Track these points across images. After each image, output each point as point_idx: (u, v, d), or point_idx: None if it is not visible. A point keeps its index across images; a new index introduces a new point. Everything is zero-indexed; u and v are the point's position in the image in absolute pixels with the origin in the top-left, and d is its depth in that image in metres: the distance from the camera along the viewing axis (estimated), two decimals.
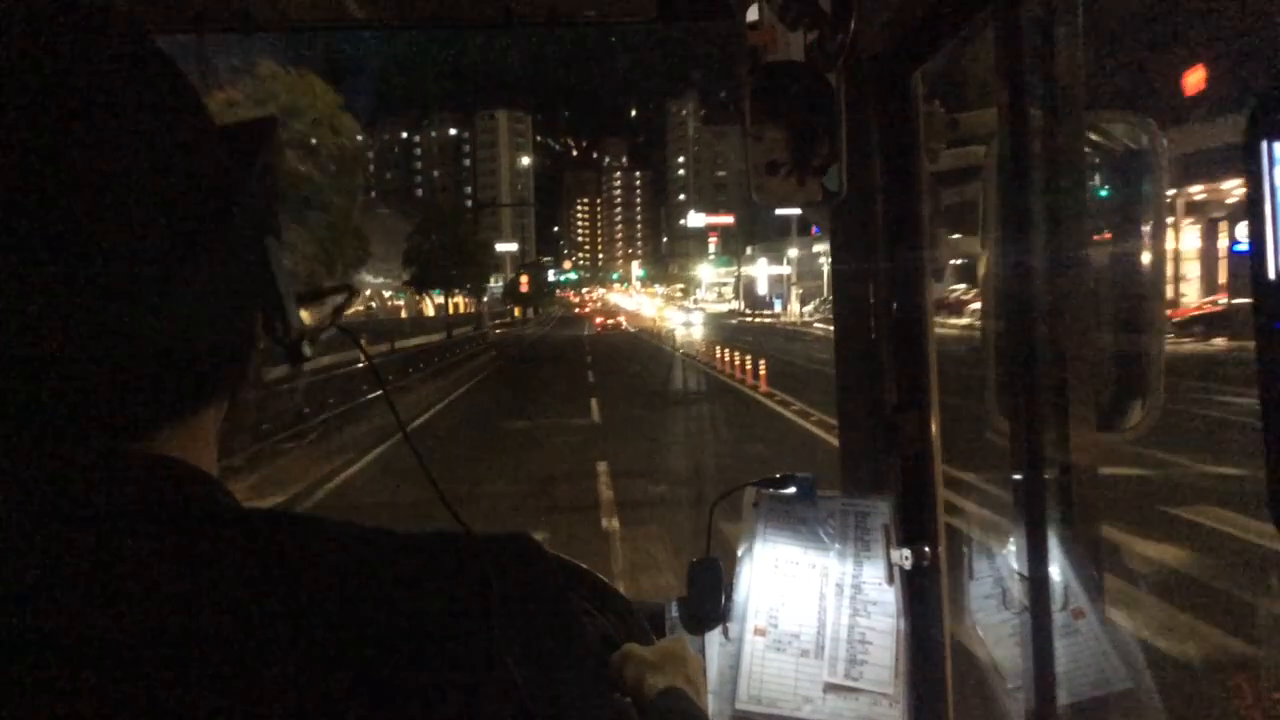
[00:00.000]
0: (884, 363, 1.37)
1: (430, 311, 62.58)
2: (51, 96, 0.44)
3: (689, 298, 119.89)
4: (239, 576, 0.45)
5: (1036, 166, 0.99)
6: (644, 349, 38.23)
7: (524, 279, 76.71)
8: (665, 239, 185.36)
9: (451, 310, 61.73)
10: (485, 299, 64.74)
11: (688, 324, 58.76)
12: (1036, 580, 1.06)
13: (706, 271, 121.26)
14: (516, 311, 78.55)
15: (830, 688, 1.20)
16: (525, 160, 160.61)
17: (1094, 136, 1.07)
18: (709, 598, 1.26)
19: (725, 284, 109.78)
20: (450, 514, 0.71)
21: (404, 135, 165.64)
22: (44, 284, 0.43)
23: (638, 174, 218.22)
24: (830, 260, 1.45)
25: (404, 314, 56.32)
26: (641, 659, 0.89)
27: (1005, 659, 1.19)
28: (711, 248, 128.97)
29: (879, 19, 1.24)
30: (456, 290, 52.21)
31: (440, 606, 0.47)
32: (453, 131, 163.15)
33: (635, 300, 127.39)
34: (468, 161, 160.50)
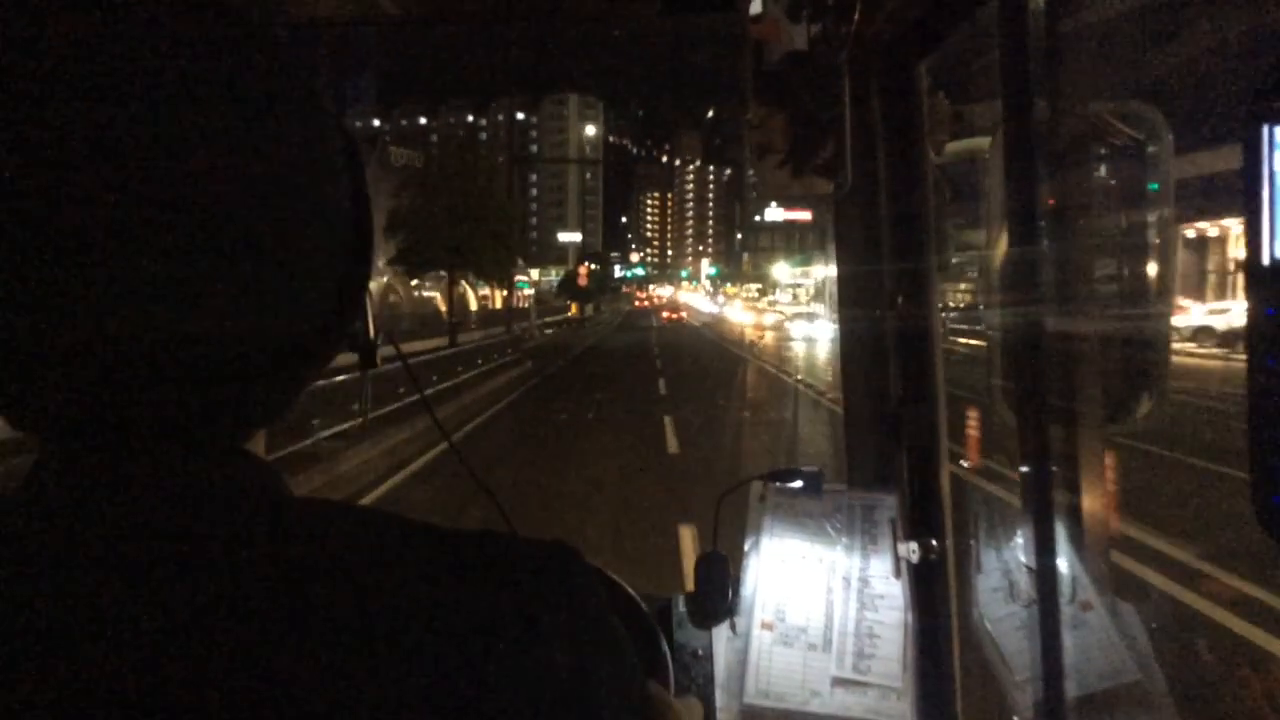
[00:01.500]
0: (889, 356, 1.37)
1: (476, 305, 53.24)
2: (187, 108, 0.45)
3: (764, 298, 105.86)
4: (291, 564, 0.46)
5: (1041, 158, 0.98)
6: (748, 372, 24.05)
7: (583, 271, 60.93)
8: (739, 235, 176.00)
9: (499, 303, 52.15)
10: (531, 292, 55.44)
11: (809, 339, 35.52)
12: (1044, 572, 1.06)
13: (782, 271, 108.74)
14: (573, 308, 62.91)
15: (838, 681, 1.20)
16: (591, 130, 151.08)
17: (1099, 128, 1.07)
18: (715, 592, 1.26)
19: (798, 285, 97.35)
20: (501, 516, 0.72)
21: (469, 119, 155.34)
22: (171, 295, 0.44)
23: (711, 169, 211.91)
24: (835, 254, 1.44)
25: (442, 306, 41.87)
26: None
27: (1013, 652, 1.19)
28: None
29: (882, 10, 1.24)
30: (465, 276, 36.85)
31: (485, 608, 0.48)
32: (520, 116, 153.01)
33: (711, 300, 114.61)
34: (535, 148, 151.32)
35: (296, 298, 0.48)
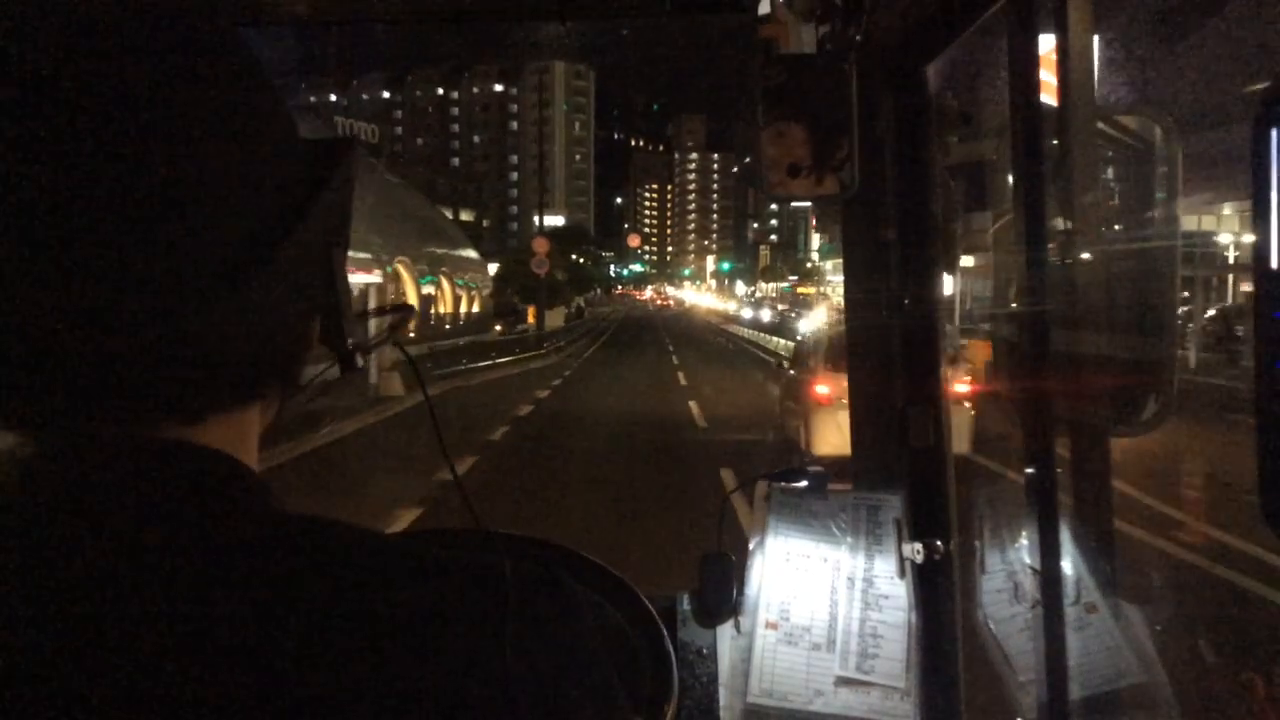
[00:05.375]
0: (895, 356, 1.37)
1: (446, 307, 40.47)
2: (134, 90, 0.45)
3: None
4: (257, 575, 0.45)
5: (1048, 162, 0.99)
6: None
7: (541, 247, 33.99)
8: (754, 225, 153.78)
9: (458, 306, 40.92)
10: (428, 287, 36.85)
11: None
12: (1049, 574, 1.07)
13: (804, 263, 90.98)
14: (529, 315, 36.88)
15: (842, 681, 1.20)
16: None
17: (1108, 132, 1.07)
18: (720, 591, 1.26)
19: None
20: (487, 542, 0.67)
21: (440, 92, 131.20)
22: (105, 271, 0.44)
23: (716, 156, 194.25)
24: (840, 249, 1.44)
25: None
26: None
27: (1017, 653, 1.19)
28: (816, 241, 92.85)
29: (891, 12, 1.24)
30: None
31: (456, 639, 0.47)
32: (498, 88, 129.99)
33: (742, 302, 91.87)
34: (515, 124, 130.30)
35: (223, 279, 0.46)
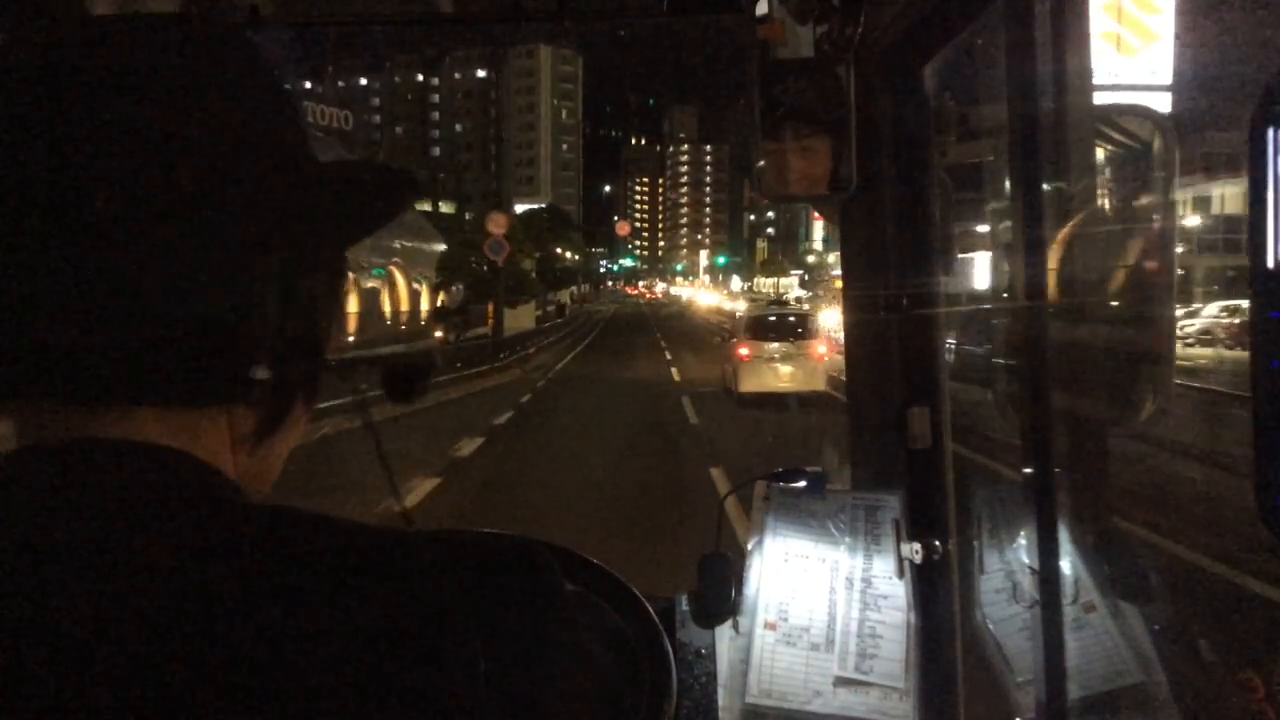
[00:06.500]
0: (894, 356, 1.37)
1: (402, 304, 33.08)
2: (165, 112, 0.49)
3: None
4: (236, 568, 0.45)
5: (1046, 161, 0.98)
6: None
7: (497, 225, 24.40)
8: (750, 217, 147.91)
9: (416, 302, 33.69)
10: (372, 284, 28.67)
11: None
12: (1047, 574, 1.06)
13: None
14: (488, 315, 27.61)
15: (840, 681, 1.20)
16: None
17: (1106, 131, 1.07)
18: (719, 592, 1.26)
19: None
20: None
21: (419, 78, 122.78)
22: (92, 266, 0.46)
23: (708, 148, 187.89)
24: (835, 249, 1.44)
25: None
26: None
27: (1015, 653, 1.19)
28: (819, 231, 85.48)
29: (889, 11, 1.24)
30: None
31: (426, 613, 0.46)
32: (481, 73, 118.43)
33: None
34: (492, 111, 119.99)
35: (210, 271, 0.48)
